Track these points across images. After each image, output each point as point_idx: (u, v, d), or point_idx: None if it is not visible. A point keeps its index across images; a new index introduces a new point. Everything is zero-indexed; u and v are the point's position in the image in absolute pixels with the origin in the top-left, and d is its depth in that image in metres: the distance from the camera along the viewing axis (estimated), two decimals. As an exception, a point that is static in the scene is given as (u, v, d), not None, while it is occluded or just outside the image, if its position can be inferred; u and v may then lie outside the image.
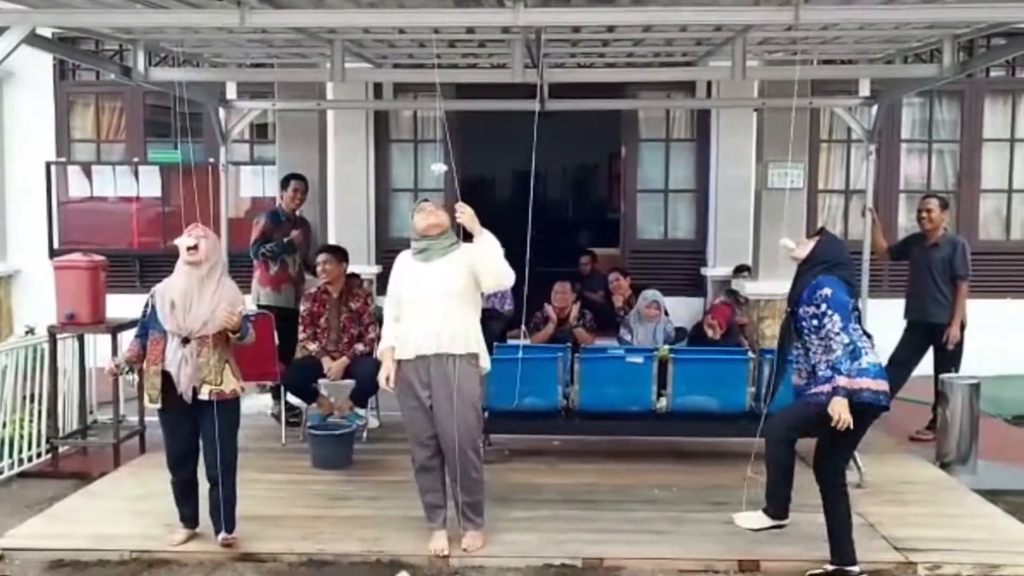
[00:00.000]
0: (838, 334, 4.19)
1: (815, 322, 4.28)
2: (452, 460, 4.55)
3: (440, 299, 4.48)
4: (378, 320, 6.73)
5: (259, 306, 6.93)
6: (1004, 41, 7.28)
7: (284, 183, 7.31)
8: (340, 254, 6.69)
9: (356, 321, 6.54)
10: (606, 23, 5.33)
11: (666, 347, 6.21)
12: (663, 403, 5.87)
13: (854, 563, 4.34)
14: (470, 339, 4.54)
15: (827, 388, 4.21)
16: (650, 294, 7.19)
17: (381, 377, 4.62)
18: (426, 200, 4.80)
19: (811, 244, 4.46)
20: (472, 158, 10.59)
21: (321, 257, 6.61)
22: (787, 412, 4.45)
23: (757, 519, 4.43)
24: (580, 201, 15.60)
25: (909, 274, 6.98)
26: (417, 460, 4.66)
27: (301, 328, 6.52)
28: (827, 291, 4.26)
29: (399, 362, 4.57)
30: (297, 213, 7.27)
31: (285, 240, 7.01)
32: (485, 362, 4.64)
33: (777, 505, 4.37)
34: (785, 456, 4.33)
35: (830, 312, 4.22)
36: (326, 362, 6.37)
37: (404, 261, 4.72)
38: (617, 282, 8.08)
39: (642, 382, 5.83)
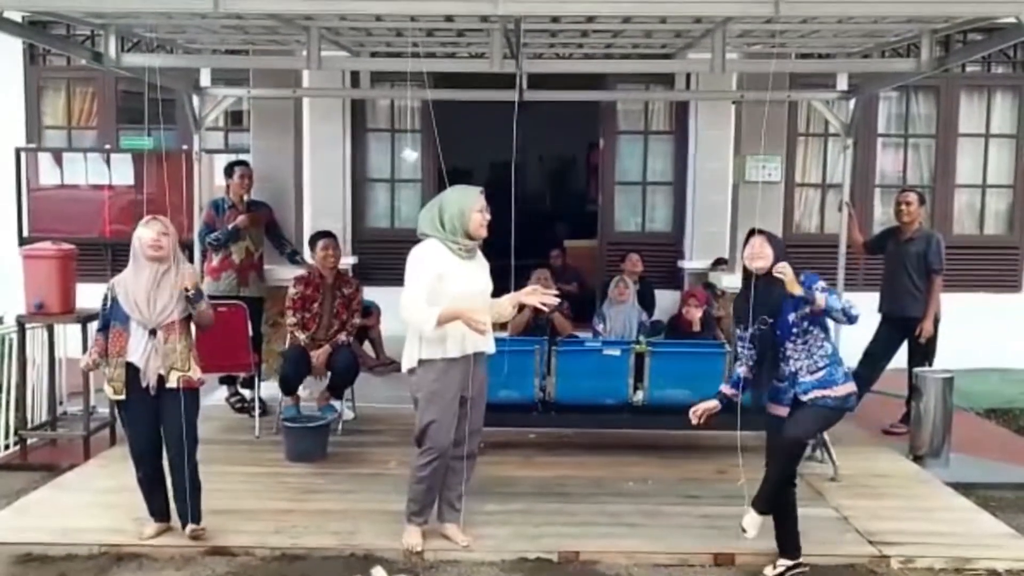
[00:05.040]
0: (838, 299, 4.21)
1: (805, 323, 4.22)
2: (472, 454, 4.60)
3: (486, 298, 4.48)
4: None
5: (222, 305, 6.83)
6: (981, 37, 7.34)
7: (228, 171, 7.20)
8: (336, 238, 6.68)
9: (347, 307, 6.51)
10: (586, 13, 5.30)
11: (643, 339, 6.21)
12: (639, 396, 5.87)
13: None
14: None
15: (841, 391, 4.25)
16: (617, 276, 7.33)
17: (477, 318, 4.18)
18: (482, 192, 4.49)
19: (769, 250, 4.25)
20: (449, 148, 10.53)
21: (323, 243, 6.55)
22: (806, 423, 4.28)
23: (754, 522, 4.34)
24: (558, 193, 15.58)
25: (884, 268, 7.01)
26: (445, 458, 4.48)
27: (290, 312, 6.44)
28: (821, 282, 4.21)
29: (445, 360, 4.37)
30: (245, 199, 7.16)
31: (230, 227, 6.93)
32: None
33: (771, 506, 4.35)
34: (794, 468, 4.39)
35: (835, 292, 4.25)
36: (314, 354, 6.31)
37: (443, 254, 4.37)
38: (631, 260, 8.22)
39: (618, 375, 5.82)
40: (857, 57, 6.87)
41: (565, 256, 9.45)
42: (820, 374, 4.26)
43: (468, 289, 4.36)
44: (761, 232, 4.35)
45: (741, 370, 4.50)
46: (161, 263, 4.39)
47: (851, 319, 4.21)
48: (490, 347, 4.55)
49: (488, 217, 4.45)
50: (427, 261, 4.35)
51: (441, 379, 4.40)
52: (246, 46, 6.95)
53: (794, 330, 4.25)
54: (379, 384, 7.54)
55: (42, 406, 6.37)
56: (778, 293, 4.21)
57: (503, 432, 6.18)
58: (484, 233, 4.45)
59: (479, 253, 4.58)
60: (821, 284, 4.23)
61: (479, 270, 4.52)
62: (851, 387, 4.34)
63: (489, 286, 4.56)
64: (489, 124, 7.28)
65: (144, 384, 4.39)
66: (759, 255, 4.26)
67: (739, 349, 4.51)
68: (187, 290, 4.42)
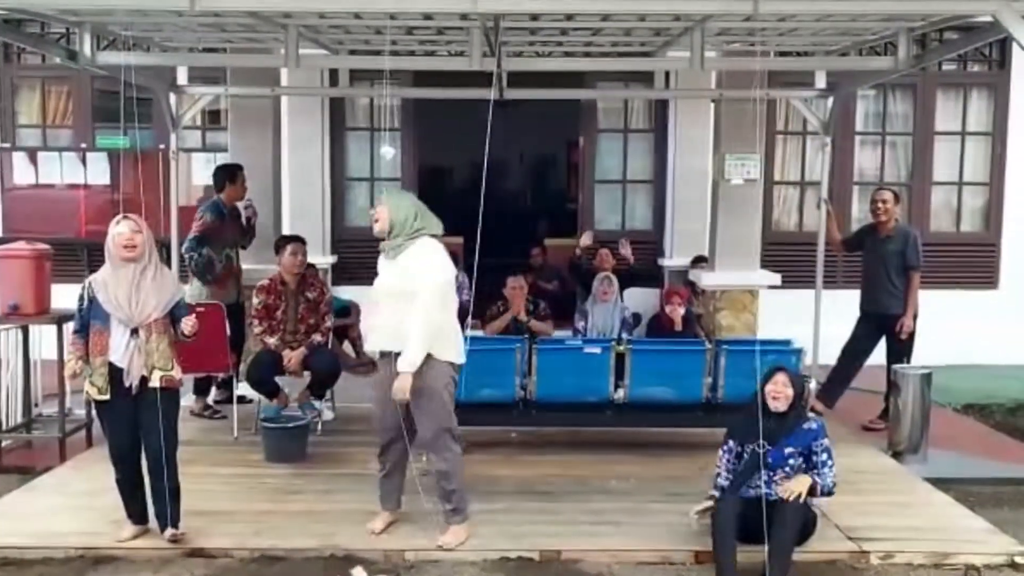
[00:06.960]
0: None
1: (799, 460, 4.45)
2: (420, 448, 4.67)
3: (387, 296, 4.49)
4: (335, 310, 6.70)
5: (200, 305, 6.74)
6: (957, 35, 7.39)
7: (232, 176, 6.93)
8: (304, 243, 6.61)
9: (314, 311, 6.44)
10: (565, 11, 5.28)
11: (624, 337, 6.21)
12: (620, 394, 5.86)
13: None
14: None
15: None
16: (602, 275, 7.29)
17: None
18: (382, 192, 4.73)
19: (791, 391, 4.46)
20: (429, 147, 10.51)
21: (292, 247, 6.42)
22: (796, 523, 4.34)
23: None
24: (538, 191, 15.57)
25: (862, 265, 7.04)
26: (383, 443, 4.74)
27: (256, 322, 6.38)
28: (826, 440, 4.47)
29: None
30: (245, 203, 7.05)
31: (224, 252, 6.78)
32: (447, 354, 4.50)
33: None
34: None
35: (830, 461, 4.47)
36: (286, 354, 6.25)
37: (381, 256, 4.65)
38: (600, 257, 8.16)
39: (599, 373, 5.81)
40: (835, 55, 6.90)
41: (546, 254, 9.45)
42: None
43: (376, 287, 4.60)
44: (784, 370, 4.53)
45: (724, 483, 4.60)
46: (137, 262, 4.35)
47: (825, 494, 4.49)
48: (384, 345, 4.52)
49: (372, 213, 4.61)
50: None
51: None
52: (223, 44, 6.88)
53: (790, 461, 4.44)
54: (359, 384, 7.48)
55: (17, 408, 6.30)
56: (787, 427, 4.42)
57: (485, 431, 6.17)
58: (376, 229, 4.55)
59: (407, 251, 4.45)
60: (825, 442, 4.47)
61: (389, 270, 4.52)
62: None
63: (392, 287, 4.47)
64: (469, 122, 7.21)
65: (128, 384, 4.34)
66: (781, 395, 4.45)
67: (722, 458, 4.64)
68: (185, 335, 4.47)
